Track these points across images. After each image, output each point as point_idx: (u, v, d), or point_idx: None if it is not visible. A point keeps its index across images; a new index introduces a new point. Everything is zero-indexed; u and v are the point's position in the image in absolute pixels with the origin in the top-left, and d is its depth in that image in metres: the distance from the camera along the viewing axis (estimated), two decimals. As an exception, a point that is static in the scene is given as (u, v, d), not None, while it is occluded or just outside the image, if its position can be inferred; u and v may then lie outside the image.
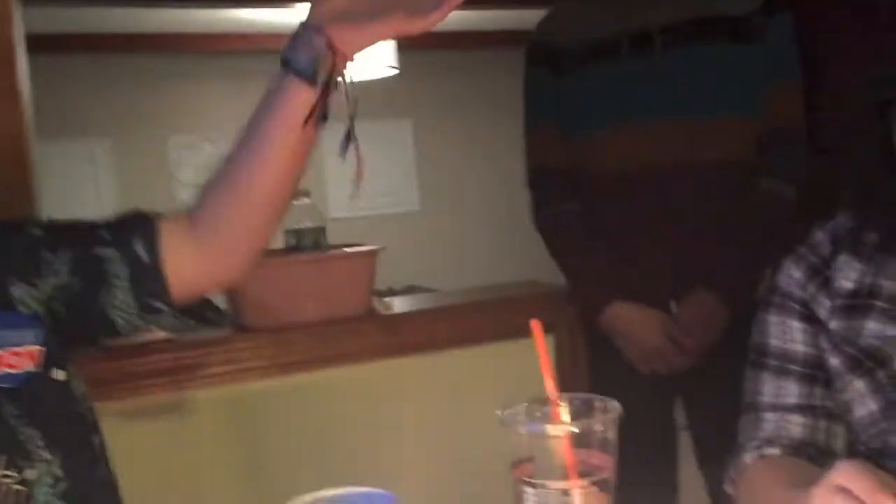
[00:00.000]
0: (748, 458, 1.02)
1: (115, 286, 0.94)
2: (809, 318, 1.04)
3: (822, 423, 1.02)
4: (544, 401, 0.81)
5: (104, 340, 1.01)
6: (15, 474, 0.84)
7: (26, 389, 0.88)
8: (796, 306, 1.05)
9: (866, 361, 0.99)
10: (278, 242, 1.76)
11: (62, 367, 0.92)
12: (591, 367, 1.81)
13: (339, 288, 1.66)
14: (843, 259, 1.03)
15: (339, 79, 0.93)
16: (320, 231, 1.73)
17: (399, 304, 1.86)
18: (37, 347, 0.90)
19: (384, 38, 0.90)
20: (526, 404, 0.82)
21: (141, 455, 1.44)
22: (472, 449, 1.54)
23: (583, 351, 1.81)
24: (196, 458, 1.56)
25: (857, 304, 1.01)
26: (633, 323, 1.68)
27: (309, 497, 0.85)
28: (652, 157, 1.66)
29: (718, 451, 1.15)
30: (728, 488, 1.05)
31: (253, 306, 1.63)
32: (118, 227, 0.97)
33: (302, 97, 0.90)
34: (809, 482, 0.87)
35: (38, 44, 1.98)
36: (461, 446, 1.69)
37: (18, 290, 0.91)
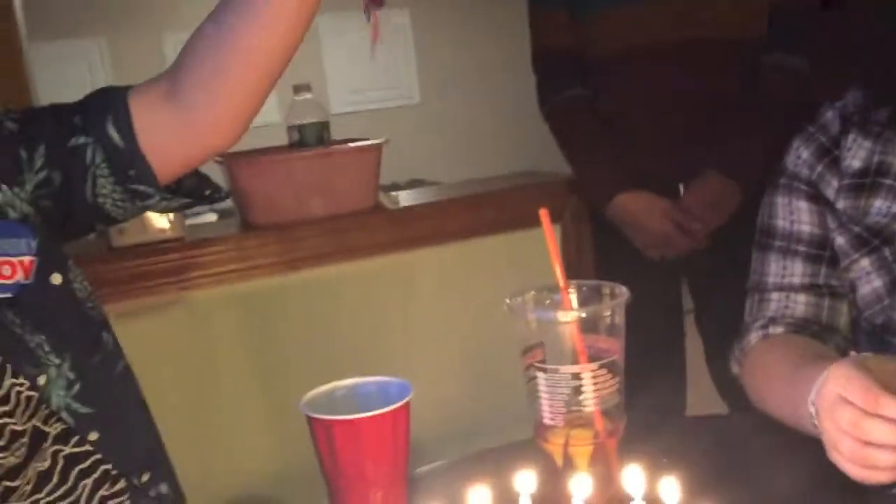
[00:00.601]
0: (753, 337, 1.04)
1: (97, 175, 0.90)
2: (816, 198, 1.04)
3: (826, 302, 1.03)
4: (552, 288, 0.82)
5: (104, 227, 0.97)
6: (26, 382, 0.83)
7: (25, 297, 0.85)
8: (803, 187, 1.05)
9: (872, 240, 0.99)
10: (282, 139, 1.75)
11: (60, 271, 0.89)
12: (598, 254, 1.82)
13: (345, 183, 1.66)
14: (852, 137, 1.02)
15: None
16: (324, 126, 1.71)
17: (405, 198, 1.86)
18: (29, 258, 0.86)
19: None
20: (534, 292, 0.83)
21: (154, 355, 1.46)
22: (483, 338, 1.57)
23: (589, 239, 1.81)
24: (210, 356, 1.59)
25: (865, 182, 1.00)
26: (639, 212, 1.68)
27: (326, 388, 0.87)
28: (659, 35, 1.62)
29: (723, 333, 1.16)
30: (734, 367, 1.08)
31: (259, 203, 1.62)
32: (89, 110, 0.91)
33: None
34: (814, 357, 0.89)
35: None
36: (472, 336, 1.72)
37: (2, 195, 0.87)
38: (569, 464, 0.73)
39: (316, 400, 0.86)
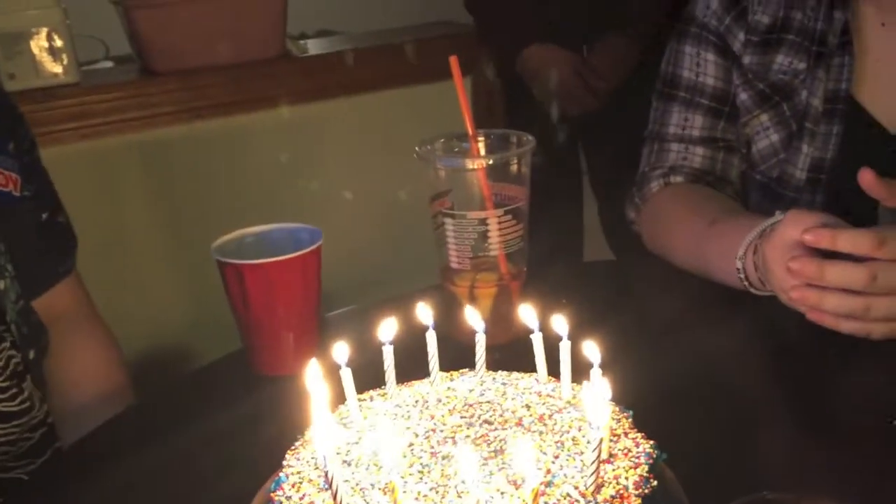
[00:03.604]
0: (654, 185, 1.07)
1: None
2: (724, 51, 1.06)
3: (721, 155, 1.08)
4: (461, 136, 0.83)
5: None
6: None
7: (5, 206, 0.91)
8: (712, 38, 1.06)
9: (773, 96, 1.02)
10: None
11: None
12: (507, 111, 1.85)
13: (251, 27, 1.60)
14: None
15: None
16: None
17: (314, 47, 1.81)
18: (16, 176, 0.93)
19: None
20: (443, 140, 0.84)
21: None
22: (393, 187, 1.58)
23: (501, 93, 1.82)
24: (115, 206, 1.56)
25: (771, 38, 1.02)
26: (546, 63, 1.71)
27: (235, 234, 0.88)
28: None
29: (613, 184, 1.21)
30: (630, 213, 1.12)
31: (160, 49, 1.56)
32: None
33: None
34: (730, 211, 0.94)
35: None
36: (381, 184, 1.72)
37: None
38: (474, 305, 0.77)
39: (226, 246, 0.87)
